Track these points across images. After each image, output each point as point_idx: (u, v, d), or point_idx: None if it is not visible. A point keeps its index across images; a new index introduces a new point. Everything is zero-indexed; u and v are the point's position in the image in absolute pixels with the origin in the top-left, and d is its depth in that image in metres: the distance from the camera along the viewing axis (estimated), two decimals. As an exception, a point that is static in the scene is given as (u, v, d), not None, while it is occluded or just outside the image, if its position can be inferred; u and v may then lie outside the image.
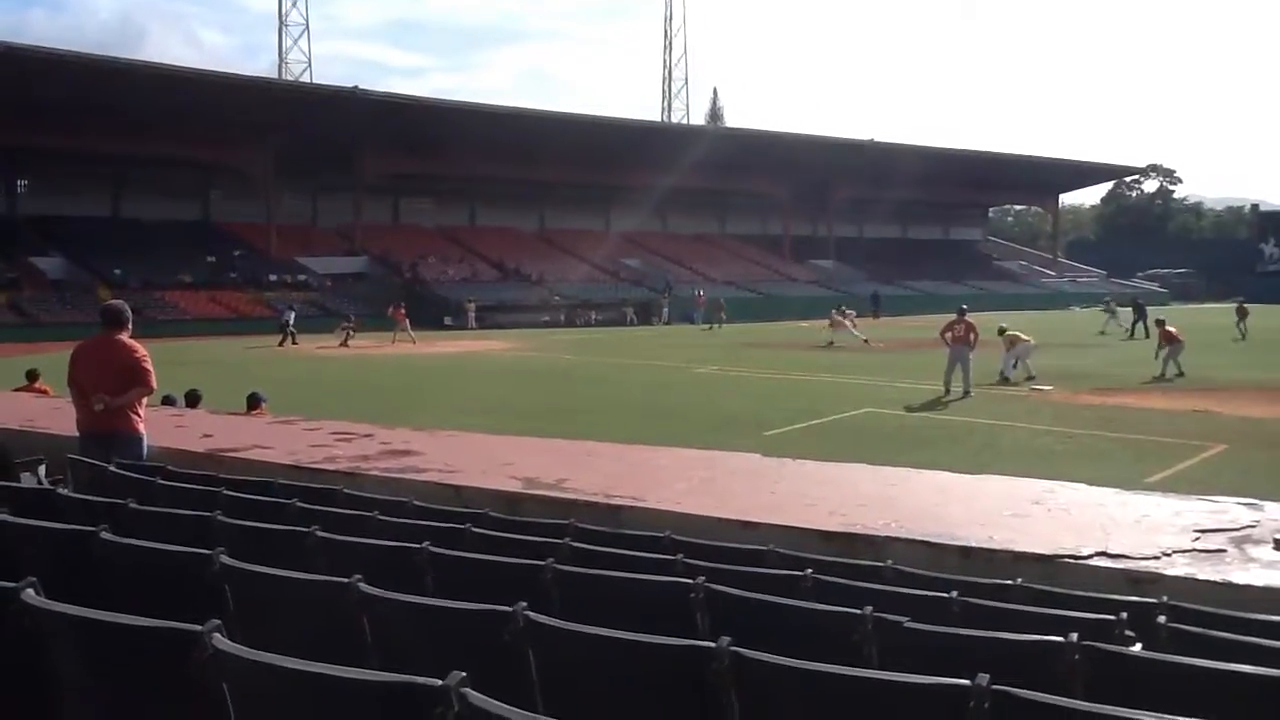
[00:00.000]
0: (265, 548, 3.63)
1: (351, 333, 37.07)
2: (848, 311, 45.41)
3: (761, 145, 63.73)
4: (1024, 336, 22.88)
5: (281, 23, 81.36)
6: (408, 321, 38.73)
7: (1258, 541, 4.79)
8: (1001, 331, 23.08)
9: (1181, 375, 22.37)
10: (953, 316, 21.19)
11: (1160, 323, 25.15)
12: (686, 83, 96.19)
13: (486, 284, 54.81)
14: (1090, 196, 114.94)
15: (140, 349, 7.09)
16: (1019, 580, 4.12)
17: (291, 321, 38.01)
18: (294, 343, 36.52)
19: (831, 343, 34.24)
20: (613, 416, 17.34)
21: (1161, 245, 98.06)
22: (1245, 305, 38.94)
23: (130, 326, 7.23)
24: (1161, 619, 3.33)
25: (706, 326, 46.85)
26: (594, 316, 52.18)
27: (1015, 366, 22.29)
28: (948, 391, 19.76)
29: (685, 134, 72.92)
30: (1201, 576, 4.34)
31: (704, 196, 64.85)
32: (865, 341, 34.40)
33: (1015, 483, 6.51)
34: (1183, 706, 2.05)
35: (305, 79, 75.19)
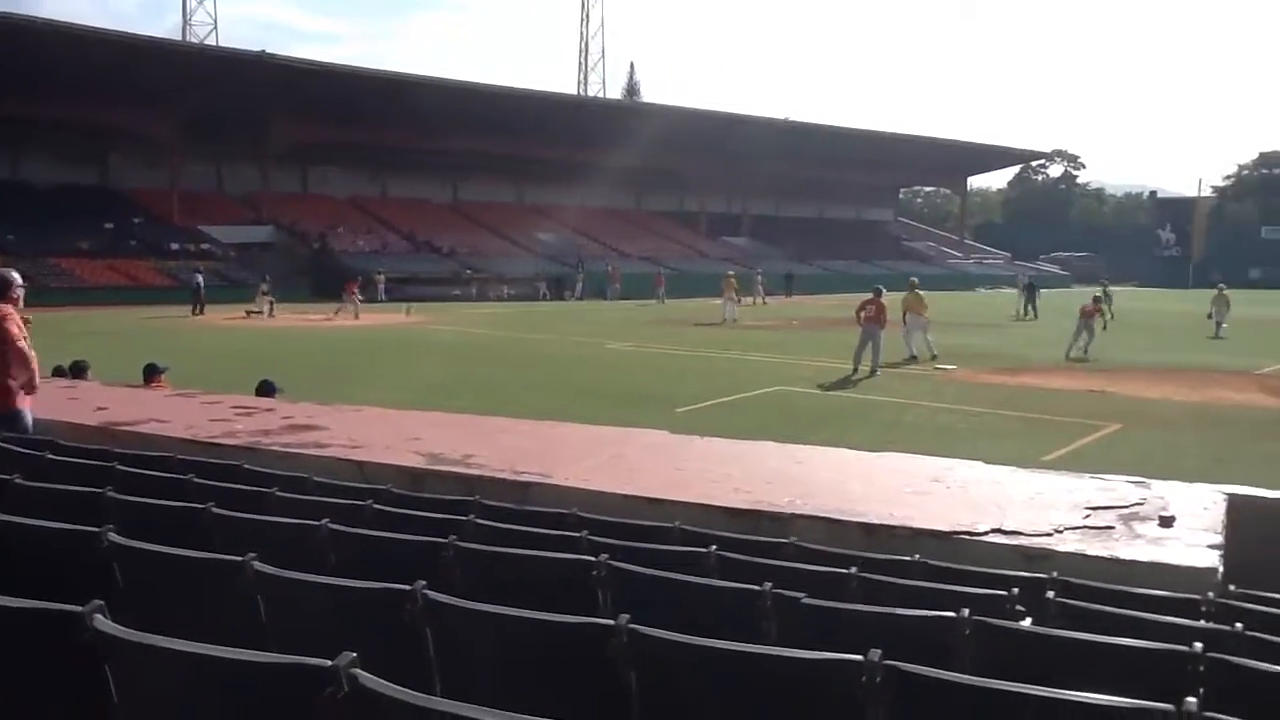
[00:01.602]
0: (159, 525, 3.54)
1: (271, 303, 35.89)
2: (758, 275, 45.94)
3: (678, 121, 63.67)
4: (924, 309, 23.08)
5: (186, -18, 78.66)
6: (357, 298, 37.42)
7: (1144, 518, 4.96)
8: (912, 287, 23.24)
9: (1084, 360, 22.90)
10: (867, 296, 21.49)
11: (1097, 299, 25.68)
12: (604, 56, 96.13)
13: (397, 256, 54.01)
14: (997, 180, 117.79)
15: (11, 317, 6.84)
16: (917, 556, 4.21)
17: (201, 285, 37.04)
18: (200, 312, 35.56)
19: (735, 319, 34.49)
20: (523, 392, 17.28)
21: (1064, 229, 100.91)
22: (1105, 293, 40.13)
23: (15, 295, 6.95)
24: (1051, 594, 3.43)
25: (657, 302, 46.31)
26: (506, 291, 51.82)
27: (912, 339, 22.62)
28: (856, 370, 20.02)
29: (601, 108, 72.60)
30: (1091, 552, 4.49)
31: (619, 172, 64.65)
32: (731, 320, 34.56)
33: (916, 460, 6.64)
34: (1068, 679, 2.11)
35: (211, 42, 73.04)
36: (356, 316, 35.22)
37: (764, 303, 44.85)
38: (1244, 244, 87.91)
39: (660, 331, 30.59)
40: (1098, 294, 27.47)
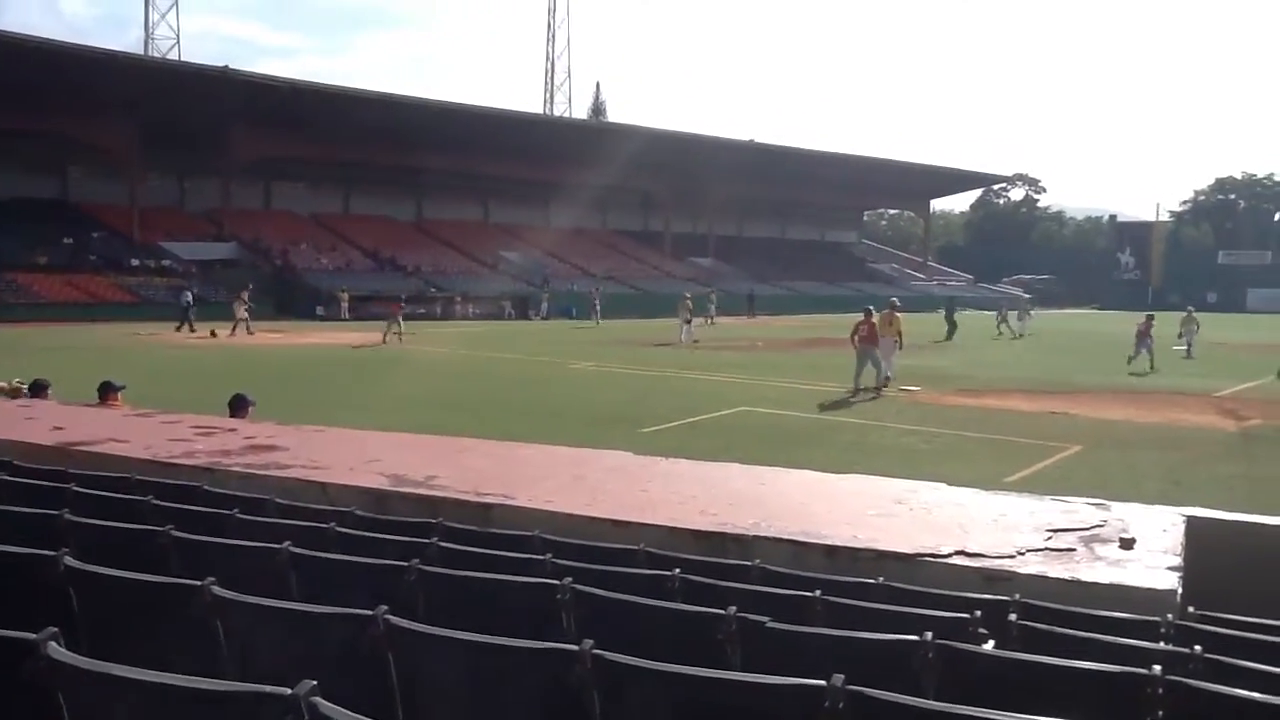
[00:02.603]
0: (116, 548, 3.48)
1: (243, 321, 34.66)
2: (711, 294, 46.12)
3: (643, 141, 63.89)
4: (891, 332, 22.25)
5: (148, -4, 78.04)
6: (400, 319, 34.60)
7: (1105, 540, 5.00)
8: (892, 308, 22.81)
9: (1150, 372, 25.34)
10: (859, 317, 21.58)
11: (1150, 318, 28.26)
12: (569, 76, 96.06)
13: (360, 273, 53.76)
14: (960, 203, 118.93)
15: None
16: (881, 579, 4.22)
17: (191, 303, 36.18)
18: (190, 329, 34.70)
19: (696, 340, 34.39)
20: (486, 412, 17.20)
21: (1026, 252, 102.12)
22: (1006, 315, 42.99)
23: None
24: (1013, 617, 3.45)
25: (591, 323, 46.11)
26: (471, 309, 51.69)
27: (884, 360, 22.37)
28: (858, 389, 20.12)
29: (566, 127, 72.82)
30: (1052, 574, 4.51)
31: (585, 191, 64.84)
32: (688, 341, 34.26)
33: (880, 482, 6.66)
34: (1029, 703, 2.12)
35: (173, 56, 72.54)
36: (400, 339, 32.82)
37: (713, 323, 45.00)
38: (1201, 268, 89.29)
39: (624, 352, 30.59)
40: (1151, 314, 29.24)
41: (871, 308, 22.34)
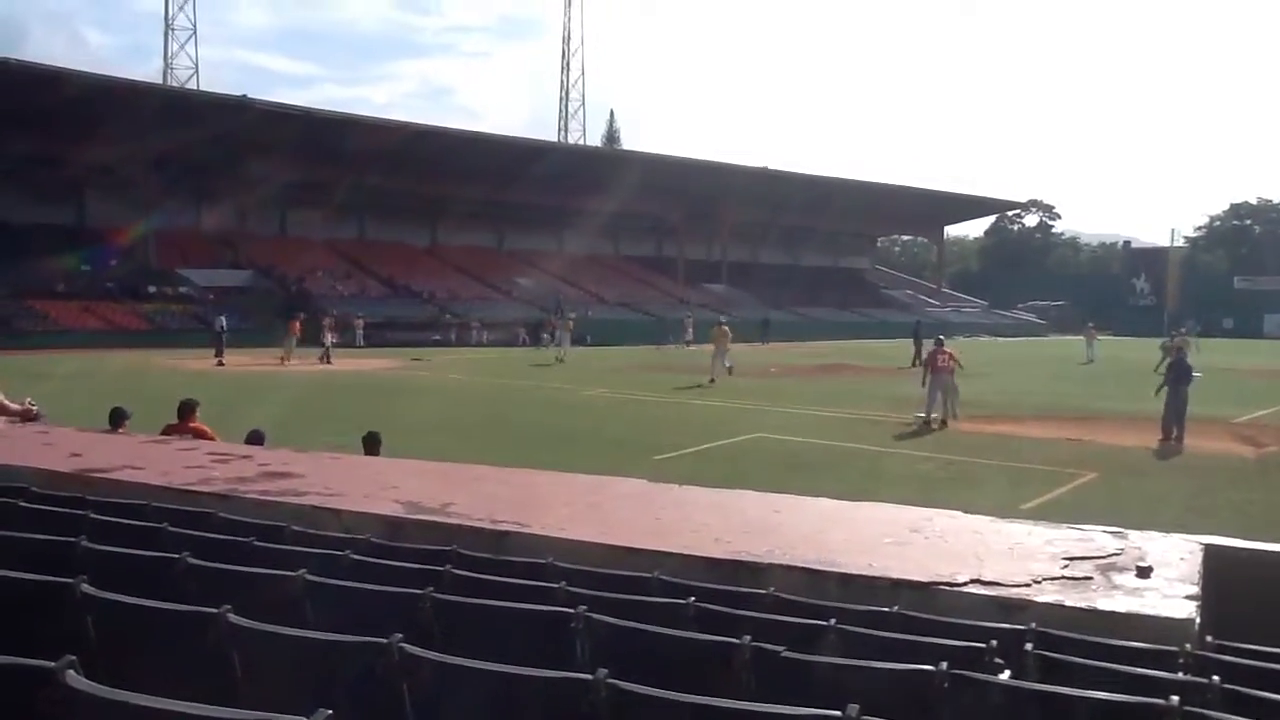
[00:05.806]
0: (132, 575, 3.49)
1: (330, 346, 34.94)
2: (687, 319, 48.05)
3: (656, 168, 64.20)
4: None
5: (168, 26, 79.05)
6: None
7: (1122, 569, 4.96)
8: (719, 324, 31.19)
9: None
10: (932, 345, 21.79)
11: None
12: (584, 104, 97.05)
13: (375, 300, 54.00)
14: (974, 229, 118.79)
15: None
16: (896, 608, 4.20)
17: (225, 329, 35.76)
18: (219, 358, 33.35)
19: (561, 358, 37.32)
20: (500, 439, 17.23)
21: (1040, 278, 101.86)
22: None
23: None
24: (1029, 646, 3.43)
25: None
26: (485, 336, 51.84)
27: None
28: (928, 421, 19.83)
29: (581, 155, 73.23)
30: (1069, 603, 4.48)
31: (598, 218, 65.07)
32: (559, 360, 37.34)
33: (895, 510, 6.63)
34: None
35: (192, 84, 73.36)
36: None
37: (688, 346, 45.80)
38: (1216, 293, 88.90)
39: (636, 378, 30.60)
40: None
41: (942, 337, 22.62)
